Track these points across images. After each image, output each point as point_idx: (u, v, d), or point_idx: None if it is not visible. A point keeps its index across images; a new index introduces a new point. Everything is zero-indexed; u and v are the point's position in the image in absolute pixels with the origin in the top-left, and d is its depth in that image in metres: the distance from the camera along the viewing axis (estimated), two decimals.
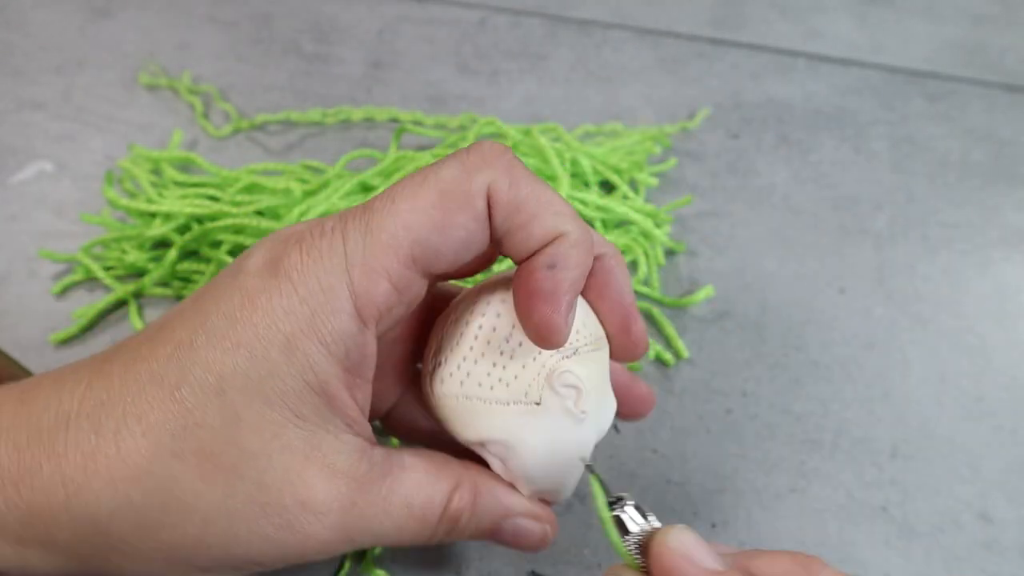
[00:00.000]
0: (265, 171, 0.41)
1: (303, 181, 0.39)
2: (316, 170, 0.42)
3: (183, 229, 0.38)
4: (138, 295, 0.37)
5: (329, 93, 0.46)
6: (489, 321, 0.23)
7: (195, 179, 0.40)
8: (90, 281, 0.38)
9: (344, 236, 0.21)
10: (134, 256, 0.37)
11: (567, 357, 0.23)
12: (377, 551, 0.30)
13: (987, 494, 0.32)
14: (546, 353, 0.23)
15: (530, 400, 0.23)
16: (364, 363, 0.22)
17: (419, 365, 0.27)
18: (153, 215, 0.38)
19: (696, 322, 0.37)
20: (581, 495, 0.32)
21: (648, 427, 0.34)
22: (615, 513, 0.21)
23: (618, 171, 0.40)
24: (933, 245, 0.40)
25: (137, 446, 0.21)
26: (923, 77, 0.48)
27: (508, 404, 0.23)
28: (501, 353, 0.23)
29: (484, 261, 0.24)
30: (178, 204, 0.37)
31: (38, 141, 0.43)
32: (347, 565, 0.29)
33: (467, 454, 0.24)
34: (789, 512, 0.31)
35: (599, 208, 0.38)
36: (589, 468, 0.22)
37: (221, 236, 0.37)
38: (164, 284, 0.37)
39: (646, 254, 0.38)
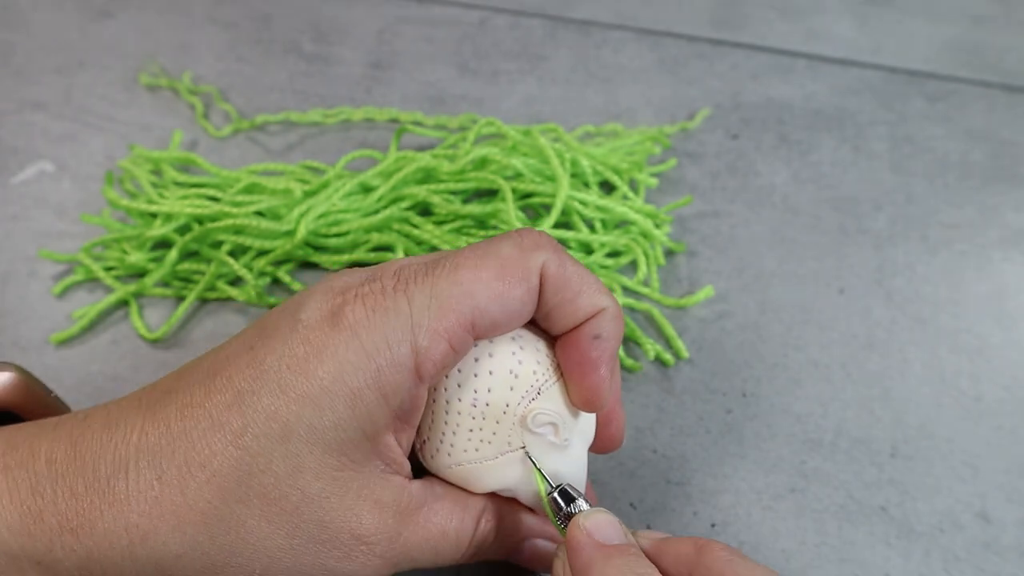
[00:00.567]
0: (265, 171, 0.41)
1: (303, 181, 0.40)
2: (316, 170, 0.42)
3: (183, 229, 0.38)
4: (138, 295, 0.37)
5: (329, 93, 0.46)
6: (453, 392, 0.24)
7: (195, 179, 0.40)
8: (90, 281, 0.38)
9: (410, 298, 0.23)
10: (134, 256, 0.37)
11: (533, 399, 0.24)
12: None
13: (986, 494, 0.32)
14: (512, 402, 0.24)
15: (515, 447, 0.24)
16: (414, 413, 0.24)
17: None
18: (153, 215, 0.38)
19: (696, 322, 0.37)
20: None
21: (648, 427, 0.34)
22: (551, 495, 0.24)
23: (618, 171, 0.40)
24: (933, 245, 0.40)
25: (203, 492, 0.21)
26: (923, 77, 0.48)
27: (497, 458, 0.24)
28: (473, 418, 0.24)
29: None
30: (178, 204, 0.37)
31: (39, 141, 0.43)
32: None
33: None
34: (789, 512, 0.31)
35: (599, 208, 0.38)
36: (527, 454, 0.24)
37: (221, 236, 0.37)
38: (165, 284, 0.38)
39: (646, 254, 0.38)
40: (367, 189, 0.38)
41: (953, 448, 0.33)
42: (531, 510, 0.26)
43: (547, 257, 0.24)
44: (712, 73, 0.48)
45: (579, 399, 0.24)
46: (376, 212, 0.38)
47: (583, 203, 0.38)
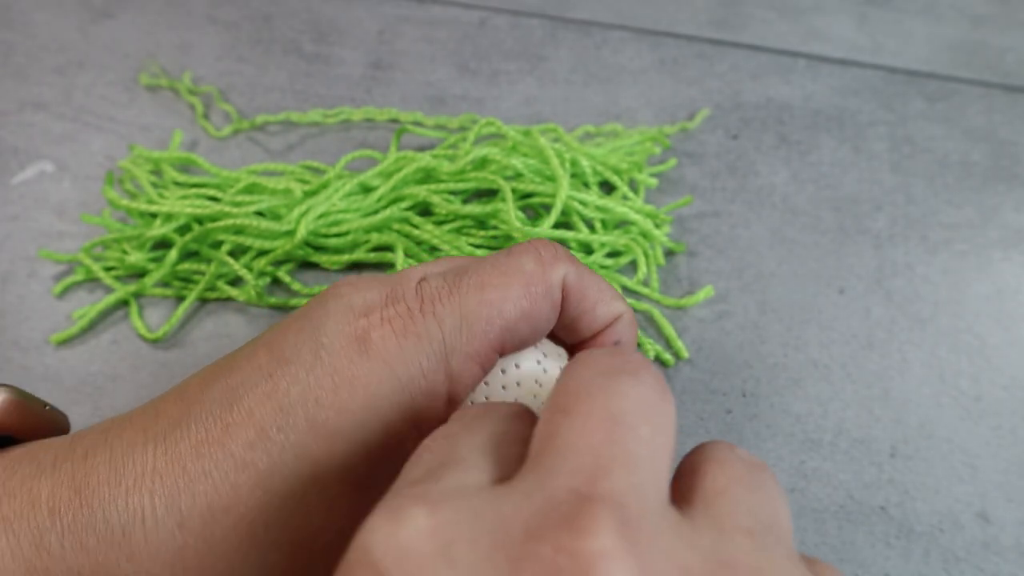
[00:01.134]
0: (265, 171, 0.41)
1: (303, 181, 0.40)
2: (316, 170, 0.42)
3: (184, 229, 0.38)
4: (138, 295, 0.37)
5: (329, 93, 0.46)
6: (479, 402, 0.24)
7: (195, 180, 0.40)
8: (91, 282, 0.38)
9: (440, 321, 0.22)
10: (135, 257, 0.37)
11: None
12: None
13: (986, 494, 0.32)
14: (536, 409, 0.24)
15: None
16: (436, 427, 0.23)
17: None
18: (154, 215, 0.38)
19: (696, 322, 0.37)
20: None
21: None
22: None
23: (618, 172, 0.40)
24: (932, 245, 0.40)
25: (229, 539, 0.20)
26: (923, 78, 0.48)
27: None
28: None
29: None
30: (179, 205, 0.37)
31: (39, 142, 0.43)
32: None
33: None
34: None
35: (599, 208, 0.38)
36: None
37: (222, 236, 0.37)
38: (165, 284, 0.38)
39: (646, 254, 0.38)
40: (367, 189, 0.38)
41: (953, 448, 0.33)
42: None
43: (568, 270, 0.24)
44: (712, 73, 0.48)
45: None
46: (376, 212, 0.38)
47: (583, 203, 0.38)
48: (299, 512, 0.20)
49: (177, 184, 0.40)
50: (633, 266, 0.39)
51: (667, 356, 0.35)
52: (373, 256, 0.38)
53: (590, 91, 0.47)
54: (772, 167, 0.43)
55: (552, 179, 0.38)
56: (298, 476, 0.20)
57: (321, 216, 0.37)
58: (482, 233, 0.38)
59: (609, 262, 0.38)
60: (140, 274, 0.38)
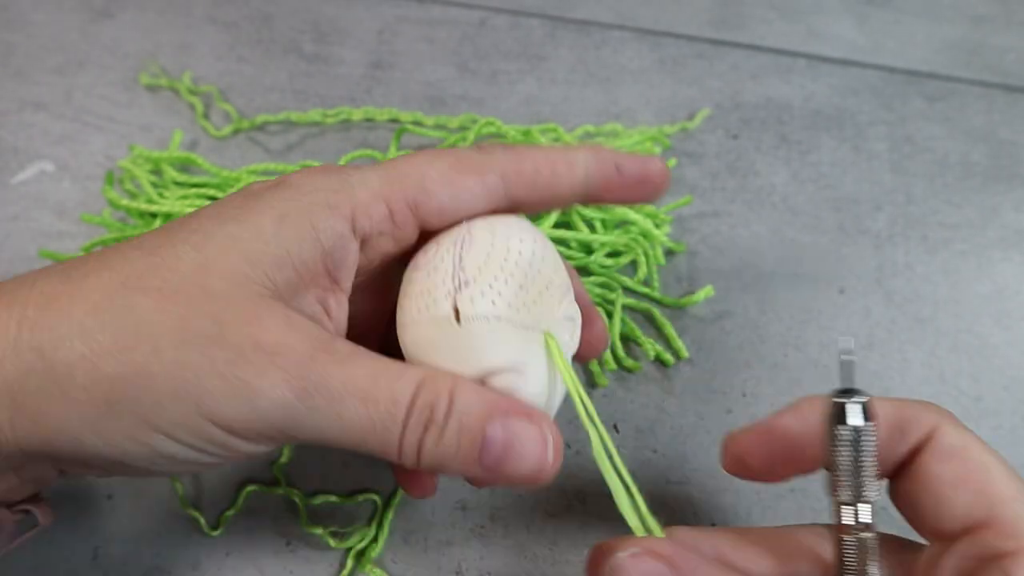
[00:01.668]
0: (265, 171, 0.41)
1: None
2: None
3: None
4: None
5: (329, 93, 0.46)
6: (515, 245, 0.24)
7: (195, 179, 0.40)
8: None
9: (357, 168, 0.24)
10: None
11: (565, 295, 0.25)
12: (376, 551, 0.30)
13: None
14: (554, 285, 0.25)
15: (540, 329, 0.24)
16: (344, 269, 0.23)
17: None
18: (154, 215, 0.38)
19: (696, 322, 0.37)
20: (581, 495, 0.32)
21: (648, 427, 0.34)
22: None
23: None
24: (932, 245, 0.40)
25: (101, 283, 0.21)
26: (922, 77, 0.48)
27: (527, 330, 0.23)
28: (527, 275, 0.24)
29: None
30: (179, 204, 0.37)
31: (39, 141, 0.43)
32: (349, 564, 0.29)
33: None
34: (789, 512, 0.31)
35: (599, 208, 0.38)
36: (553, 343, 0.24)
37: None
38: None
39: (646, 254, 0.38)
40: None
41: None
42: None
43: (507, 157, 0.25)
44: (712, 73, 0.48)
45: (637, 190, 0.26)
46: None
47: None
48: (175, 269, 0.22)
49: (177, 184, 0.40)
50: (633, 266, 0.39)
51: (667, 356, 0.36)
52: None
53: (590, 91, 0.47)
54: (772, 167, 0.43)
55: None
56: (184, 243, 0.22)
57: None
58: None
59: (609, 262, 0.38)
60: None
